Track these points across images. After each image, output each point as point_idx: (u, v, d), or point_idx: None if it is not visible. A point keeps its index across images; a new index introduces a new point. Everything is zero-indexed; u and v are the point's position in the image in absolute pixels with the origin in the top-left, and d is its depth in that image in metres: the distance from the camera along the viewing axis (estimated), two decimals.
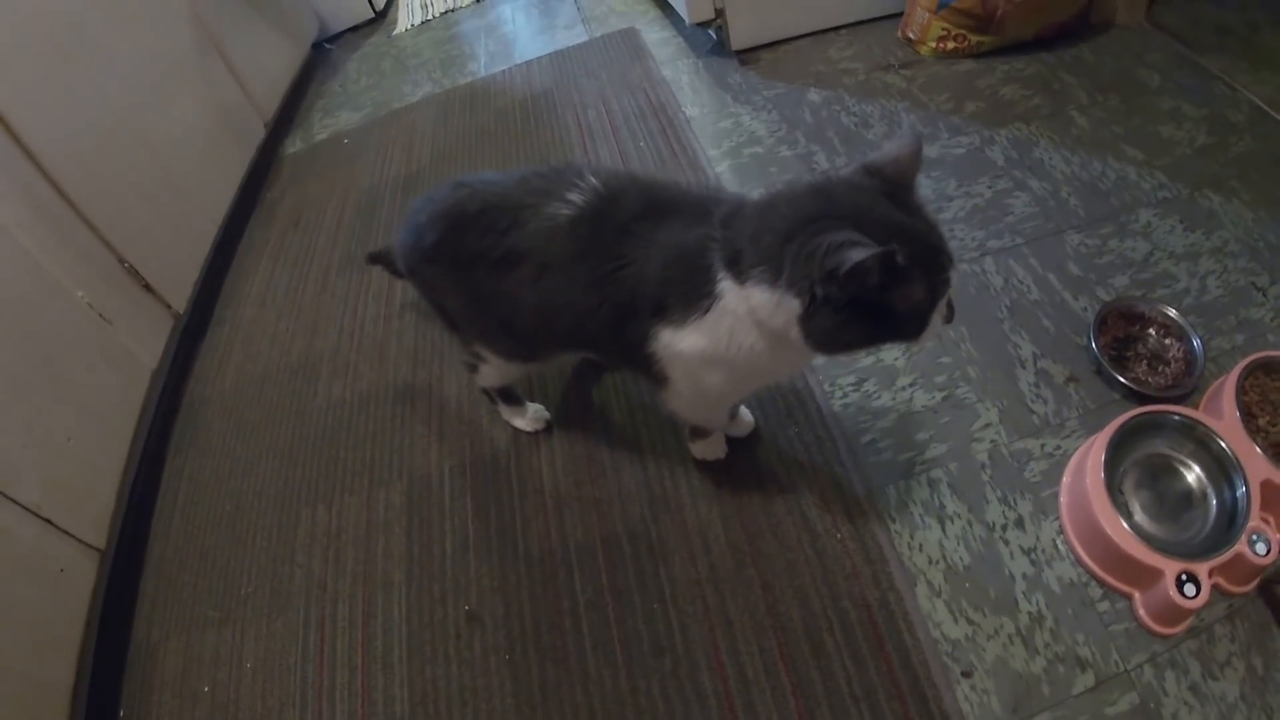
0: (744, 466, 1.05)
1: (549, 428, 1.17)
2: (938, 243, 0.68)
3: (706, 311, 0.73)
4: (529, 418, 1.17)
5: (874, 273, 0.62)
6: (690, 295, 0.74)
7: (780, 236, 0.67)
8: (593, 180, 0.83)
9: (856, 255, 0.60)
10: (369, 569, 1.09)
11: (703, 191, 0.82)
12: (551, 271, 0.82)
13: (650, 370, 0.82)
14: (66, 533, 1.06)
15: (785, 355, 0.75)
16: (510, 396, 1.16)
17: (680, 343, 0.77)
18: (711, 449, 1.04)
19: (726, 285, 0.72)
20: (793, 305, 0.67)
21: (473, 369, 1.10)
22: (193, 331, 1.56)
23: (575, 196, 0.81)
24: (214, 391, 1.45)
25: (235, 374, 1.46)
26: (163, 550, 1.22)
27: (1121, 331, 1.10)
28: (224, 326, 1.57)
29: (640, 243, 0.78)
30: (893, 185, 0.69)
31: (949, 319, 0.72)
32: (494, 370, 1.06)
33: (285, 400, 1.36)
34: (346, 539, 1.13)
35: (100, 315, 1.25)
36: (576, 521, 1.04)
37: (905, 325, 0.68)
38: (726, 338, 0.74)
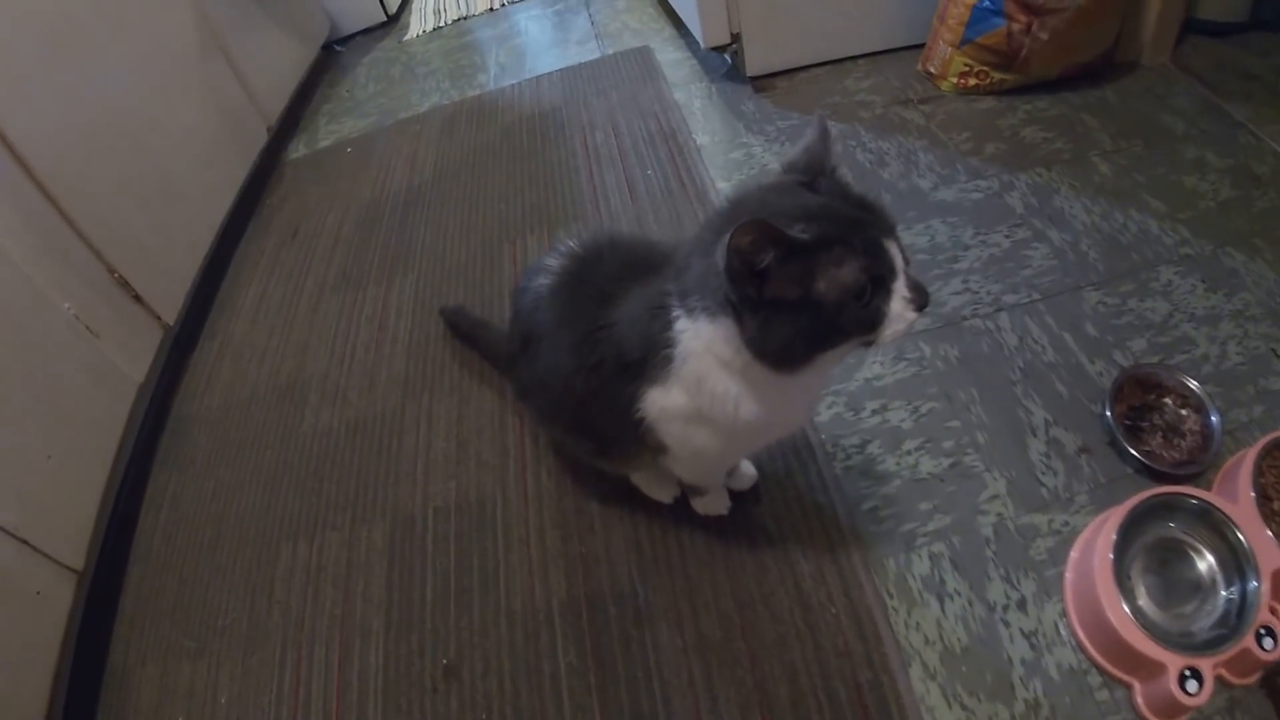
0: (740, 528, 1.01)
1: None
2: (855, 214, 0.61)
3: (672, 361, 0.70)
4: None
5: (751, 253, 0.57)
6: (658, 347, 0.71)
7: (701, 258, 0.65)
8: (570, 244, 0.80)
9: (723, 241, 0.57)
10: (347, 611, 1.05)
11: (673, 243, 0.79)
12: (540, 344, 0.79)
13: (645, 441, 0.79)
14: (44, 554, 1.03)
15: (770, 398, 0.70)
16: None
17: (662, 401, 0.73)
18: (713, 505, 1.00)
19: (683, 325, 0.68)
20: (728, 325, 0.64)
21: None
22: (183, 343, 1.53)
23: (553, 262, 0.79)
24: (201, 409, 1.42)
25: (223, 392, 1.43)
26: (143, 571, 1.20)
27: (1138, 400, 1.06)
28: (215, 340, 1.54)
29: (617, 304, 0.75)
30: (810, 173, 0.65)
31: (919, 304, 0.63)
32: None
33: (272, 423, 1.33)
34: (326, 577, 1.10)
35: (87, 328, 1.22)
36: (561, 578, 1.01)
37: (850, 316, 0.61)
38: (696, 387, 0.70)
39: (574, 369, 0.78)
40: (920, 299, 0.62)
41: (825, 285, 0.60)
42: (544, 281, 0.80)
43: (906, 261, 0.63)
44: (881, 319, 0.62)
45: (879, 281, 0.61)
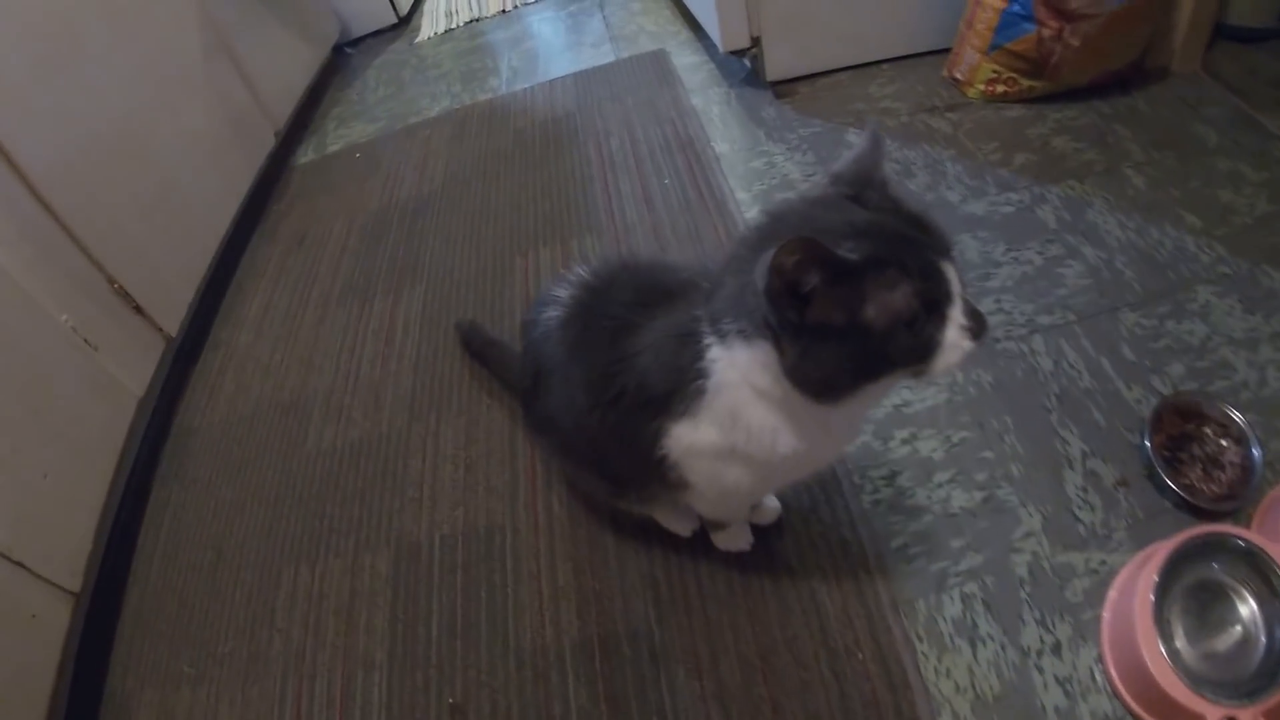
0: (762, 565, 0.96)
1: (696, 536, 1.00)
2: (908, 232, 0.56)
3: (705, 393, 0.65)
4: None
5: (796, 274, 0.52)
6: (688, 378, 0.65)
7: (736, 276, 0.60)
8: (580, 273, 0.76)
9: (764, 259, 0.52)
10: (350, 643, 1.02)
11: (697, 267, 0.74)
12: (551, 379, 0.75)
13: (667, 480, 0.74)
14: (40, 576, 1.00)
15: (810, 430, 0.65)
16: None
17: (690, 437, 0.68)
18: (735, 540, 0.96)
19: (716, 354, 0.63)
20: (766, 350, 0.59)
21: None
22: (185, 354, 1.50)
23: (562, 292, 0.75)
24: (203, 423, 1.38)
25: (226, 406, 1.40)
26: (142, 592, 1.17)
27: (1177, 429, 1.01)
28: (218, 352, 1.51)
29: (636, 334, 0.70)
30: (859, 186, 0.61)
31: (976, 332, 0.57)
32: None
33: (274, 441, 1.30)
34: (328, 606, 1.06)
35: (85, 341, 1.19)
36: (573, 615, 0.96)
37: (901, 345, 0.56)
38: (730, 421, 0.65)
39: (589, 405, 0.73)
40: (978, 327, 0.57)
41: (875, 311, 0.55)
42: (554, 313, 0.75)
43: (963, 285, 0.58)
44: (935, 348, 0.57)
45: (933, 307, 0.56)
